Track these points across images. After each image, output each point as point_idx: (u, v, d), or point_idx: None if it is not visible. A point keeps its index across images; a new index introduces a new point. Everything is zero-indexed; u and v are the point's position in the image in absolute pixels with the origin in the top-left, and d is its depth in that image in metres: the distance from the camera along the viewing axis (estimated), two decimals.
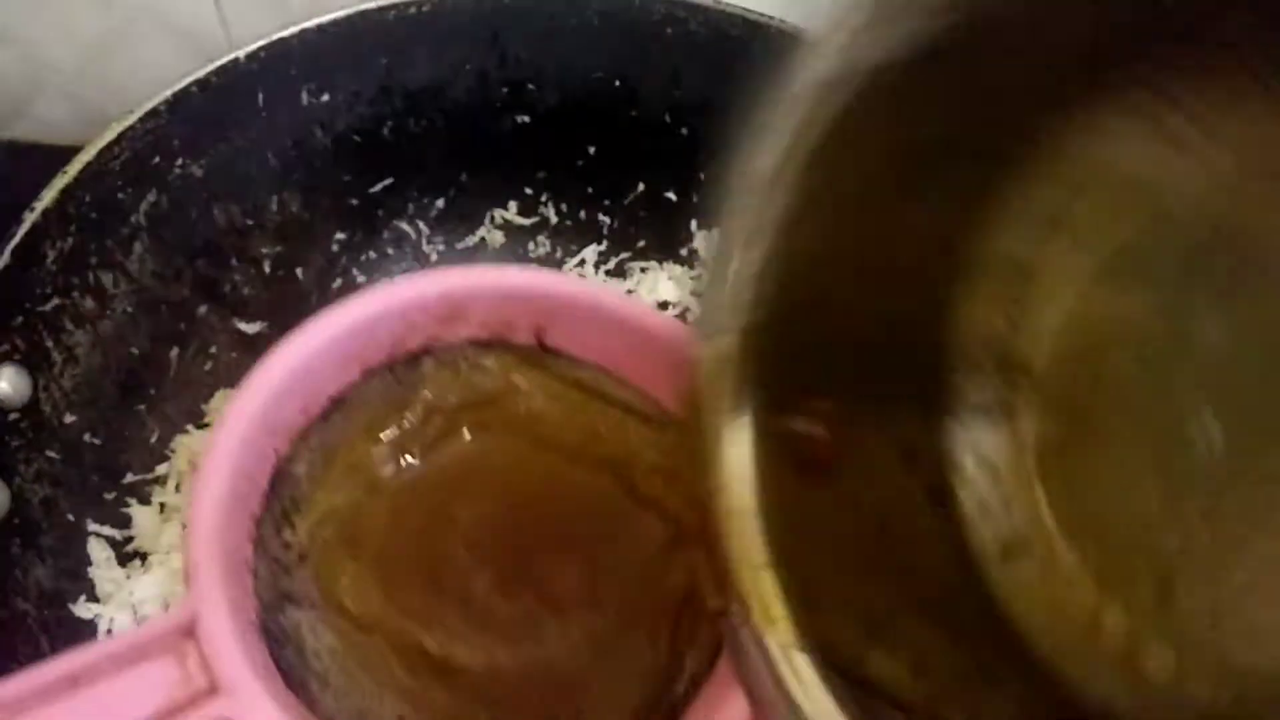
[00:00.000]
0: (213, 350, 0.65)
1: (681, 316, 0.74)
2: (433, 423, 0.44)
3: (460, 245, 0.75)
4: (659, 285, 0.74)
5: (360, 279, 0.72)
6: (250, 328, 0.67)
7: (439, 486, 0.42)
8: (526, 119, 0.72)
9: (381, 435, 0.43)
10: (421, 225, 0.74)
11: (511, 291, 0.42)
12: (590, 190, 0.75)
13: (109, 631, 0.55)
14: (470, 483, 0.42)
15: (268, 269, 0.67)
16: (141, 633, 0.35)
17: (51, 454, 0.55)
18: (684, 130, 0.71)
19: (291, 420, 0.41)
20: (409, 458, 0.43)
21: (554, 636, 0.40)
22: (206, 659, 0.34)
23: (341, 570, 0.41)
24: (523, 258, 0.76)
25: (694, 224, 0.74)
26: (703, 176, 0.73)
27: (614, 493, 0.42)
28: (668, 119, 0.71)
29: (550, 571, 0.41)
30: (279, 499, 0.42)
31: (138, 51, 0.78)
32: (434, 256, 0.75)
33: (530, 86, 0.71)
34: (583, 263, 0.76)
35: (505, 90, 0.70)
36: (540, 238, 0.76)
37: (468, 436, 0.44)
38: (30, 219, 0.54)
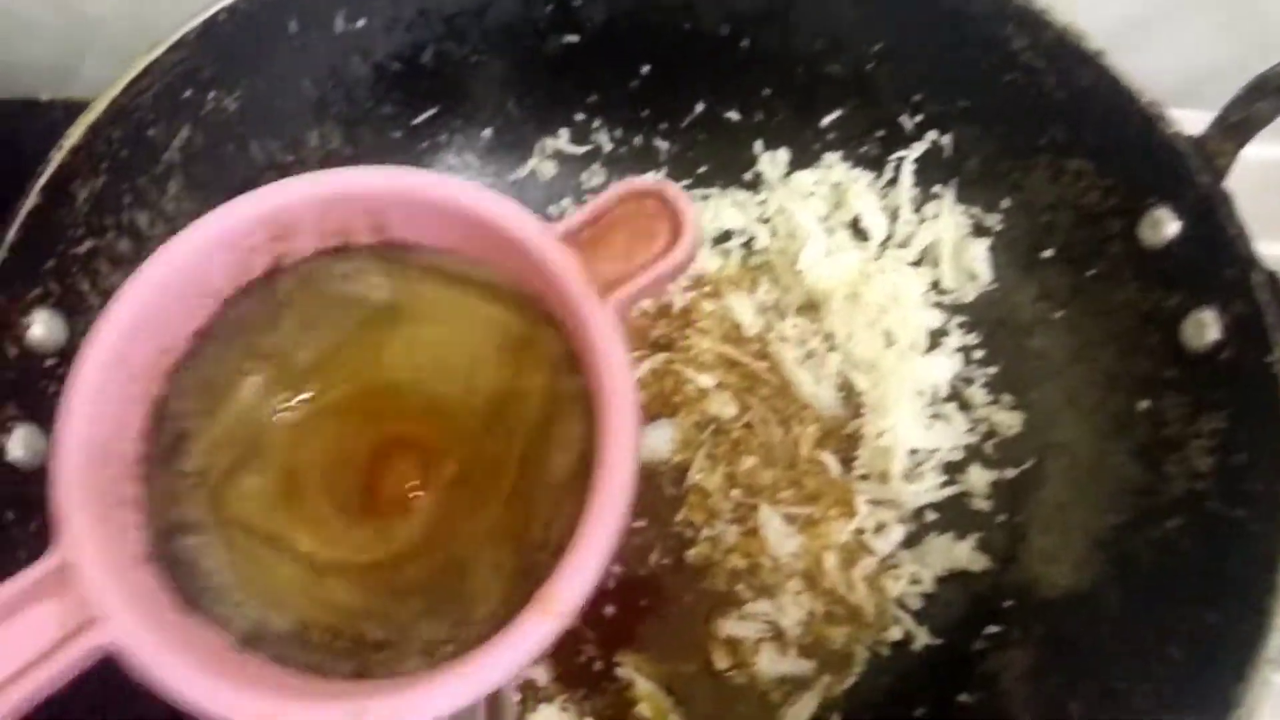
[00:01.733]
0: None
1: (747, 245, 0.69)
2: (304, 338, 0.44)
3: (511, 177, 0.71)
4: (722, 213, 0.70)
5: None
6: None
7: (325, 397, 0.44)
8: (574, 39, 0.68)
9: (257, 358, 0.43)
10: (470, 158, 0.70)
11: (332, 196, 0.40)
12: (645, 114, 0.70)
13: None
14: (351, 387, 0.44)
15: None
16: (16, 583, 0.36)
17: None
18: (744, 43, 0.66)
19: (154, 361, 0.41)
20: (289, 374, 0.43)
21: (439, 521, 0.42)
22: (83, 597, 0.36)
23: (237, 490, 0.42)
24: (576, 190, 0.72)
25: (758, 145, 0.69)
26: (766, 93, 0.68)
27: (493, 375, 0.43)
28: (726, 31, 0.66)
29: (434, 461, 0.43)
30: (164, 435, 0.42)
31: (182, 7, 0.75)
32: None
33: (576, 2, 0.66)
34: None
35: (550, 8, 0.66)
36: (594, 166, 0.72)
37: (338, 343, 0.44)
38: (58, 157, 0.52)
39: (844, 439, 0.63)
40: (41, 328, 0.50)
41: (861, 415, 0.62)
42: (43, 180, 0.51)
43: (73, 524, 0.37)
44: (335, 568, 0.41)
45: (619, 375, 0.38)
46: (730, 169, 0.71)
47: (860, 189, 0.66)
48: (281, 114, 0.62)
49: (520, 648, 0.35)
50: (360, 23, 0.62)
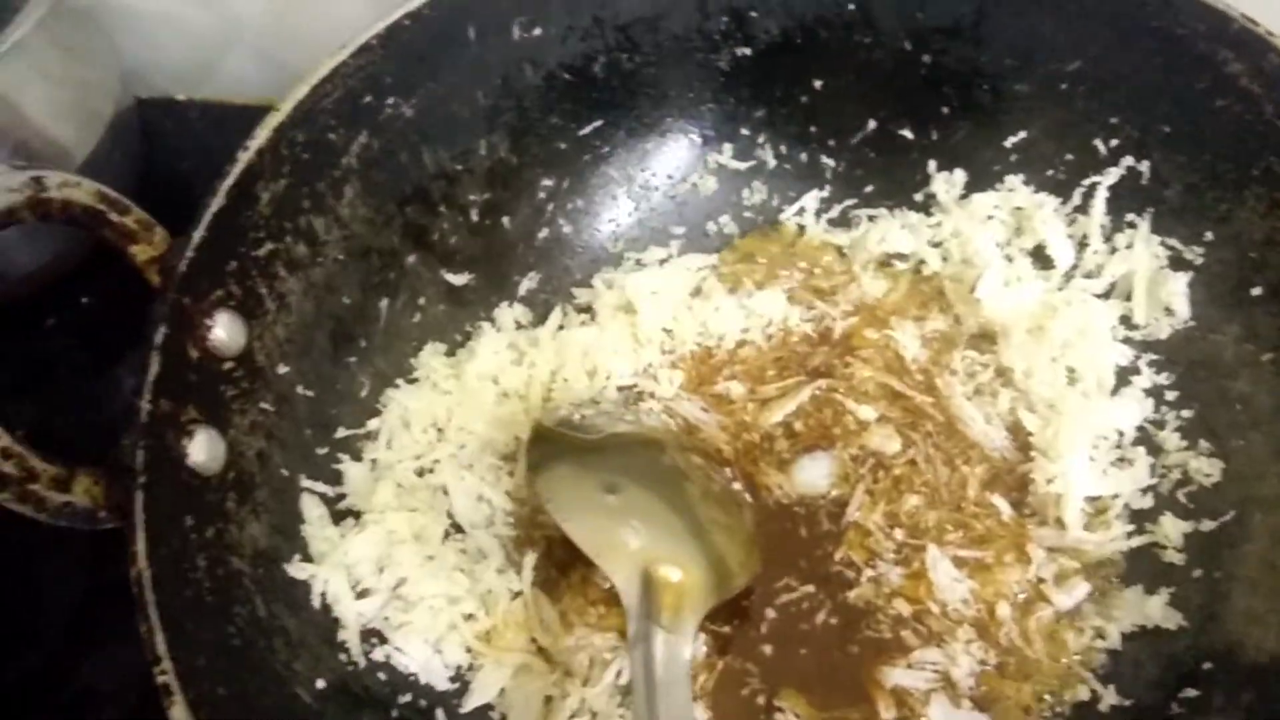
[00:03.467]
0: (421, 302, 0.62)
1: (917, 270, 0.66)
2: None
3: (671, 192, 0.69)
4: (889, 235, 0.67)
5: (566, 229, 0.68)
6: (458, 279, 0.63)
7: None
8: (747, 51, 0.66)
9: None
10: (631, 171, 0.69)
11: None
12: (813, 129, 0.68)
13: (323, 594, 0.52)
14: None
15: (475, 217, 0.64)
16: None
17: (266, 405, 0.53)
18: (926, 58, 0.63)
19: None
20: None
21: None
22: None
23: None
24: (736, 206, 0.70)
25: (932, 165, 0.66)
26: (945, 111, 0.65)
27: None
28: (907, 46, 0.63)
29: None
30: None
31: (326, 6, 0.75)
32: (642, 206, 0.69)
33: (753, 14, 0.64)
34: (802, 211, 0.69)
35: (726, 20, 0.64)
36: (756, 183, 0.70)
37: None
38: (245, 158, 0.51)
39: (1014, 481, 0.59)
40: (223, 330, 0.50)
41: (1031, 459, 0.59)
42: (229, 181, 0.51)
43: None
44: None
45: None
46: (901, 189, 0.68)
47: (1046, 214, 0.63)
48: (455, 122, 0.61)
49: None
50: (536, 31, 0.61)
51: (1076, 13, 0.59)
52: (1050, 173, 0.63)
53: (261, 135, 0.52)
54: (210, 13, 0.79)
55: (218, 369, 0.50)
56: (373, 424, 0.58)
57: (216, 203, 0.50)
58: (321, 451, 0.56)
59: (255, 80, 0.81)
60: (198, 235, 0.49)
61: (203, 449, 0.48)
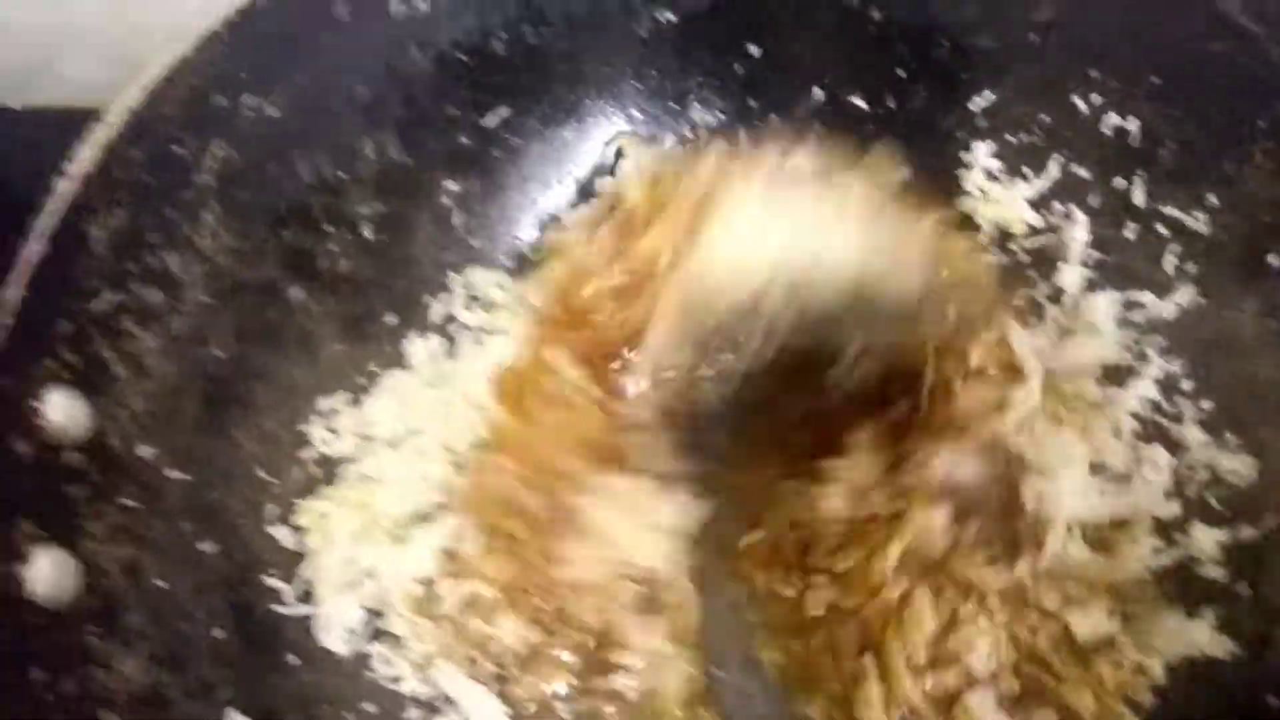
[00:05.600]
0: (311, 344, 0.51)
1: None
2: None
3: (598, 189, 0.60)
4: None
5: (475, 243, 0.57)
6: (355, 308, 0.53)
7: None
8: (670, 16, 0.56)
9: None
10: (546, 166, 0.59)
11: None
12: (753, 104, 0.59)
13: None
14: None
15: (368, 234, 0.53)
16: None
17: (128, 501, 0.41)
18: (875, 14, 0.56)
19: None
20: None
21: None
22: None
23: None
24: None
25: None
26: (901, 74, 0.57)
27: None
28: (854, 1, 0.55)
29: None
30: None
31: None
32: (564, 205, 0.60)
33: None
34: None
35: None
36: None
37: None
38: (67, 190, 0.40)
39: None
40: (58, 413, 0.39)
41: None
42: (51, 220, 0.39)
43: None
44: None
45: None
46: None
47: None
48: (331, 120, 0.50)
49: None
50: (421, 5, 0.51)
51: None
52: (1024, 137, 0.56)
53: (86, 157, 0.41)
54: (40, 11, 0.66)
55: (56, 464, 0.39)
56: (270, 509, 0.47)
57: (35, 250, 0.39)
58: (205, 548, 0.45)
59: (97, 81, 0.68)
60: (13, 295, 0.38)
61: (46, 575, 0.37)
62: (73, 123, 0.69)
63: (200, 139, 0.45)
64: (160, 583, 0.42)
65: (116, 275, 0.42)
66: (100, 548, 0.39)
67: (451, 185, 0.56)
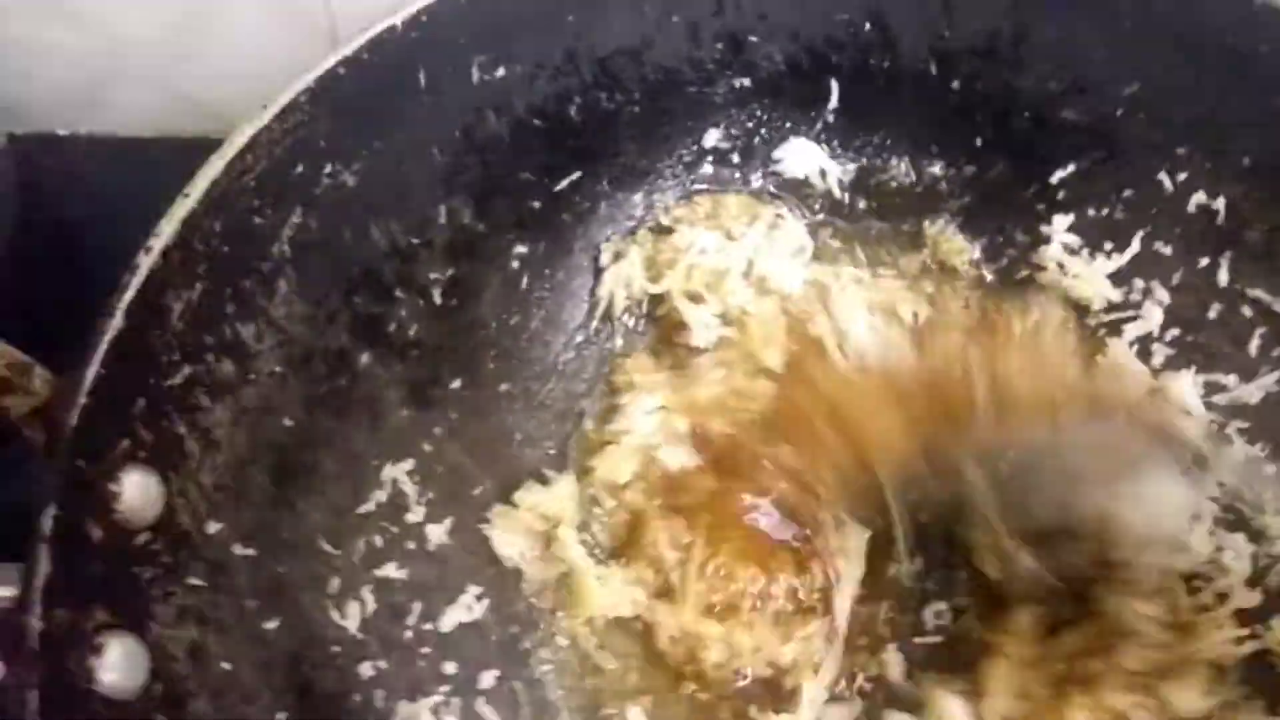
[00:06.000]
0: (379, 409, 0.50)
1: None
2: None
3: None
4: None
5: (544, 304, 0.57)
6: (421, 373, 0.52)
7: None
8: (746, 82, 0.56)
9: None
10: (619, 230, 0.58)
11: None
12: (827, 170, 0.58)
13: None
14: None
15: (438, 298, 0.52)
16: None
17: (195, 580, 0.41)
18: (955, 83, 0.55)
19: None
20: None
21: None
22: None
23: None
24: None
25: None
26: (979, 143, 0.56)
27: None
28: (934, 69, 0.54)
29: None
30: None
31: (227, 27, 0.63)
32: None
33: (752, 39, 0.54)
34: None
35: (720, 47, 0.54)
36: None
37: None
38: (147, 262, 0.39)
39: None
40: (134, 493, 0.38)
41: None
42: (129, 294, 0.39)
43: None
44: None
45: None
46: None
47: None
48: (406, 187, 0.50)
49: None
50: (499, 72, 0.50)
51: (1134, 28, 0.51)
52: (1106, 211, 0.55)
53: (167, 230, 0.40)
54: (91, 36, 0.66)
55: (129, 547, 0.38)
56: (334, 584, 0.46)
57: (113, 326, 0.38)
58: (269, 625, 0.44)
59: (149, 110, 0.68)
60: (91, 373, 0.37)
61: (118, 663, 0.36)
62: (122, 151, 0.70)
63: (279, 209, 0.44)
64: (225, 665, 0.41)
65: (192, 348, 0.41)
66: (167, 632, 0.39)
67: (520, 248, 0.55)
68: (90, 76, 0.68)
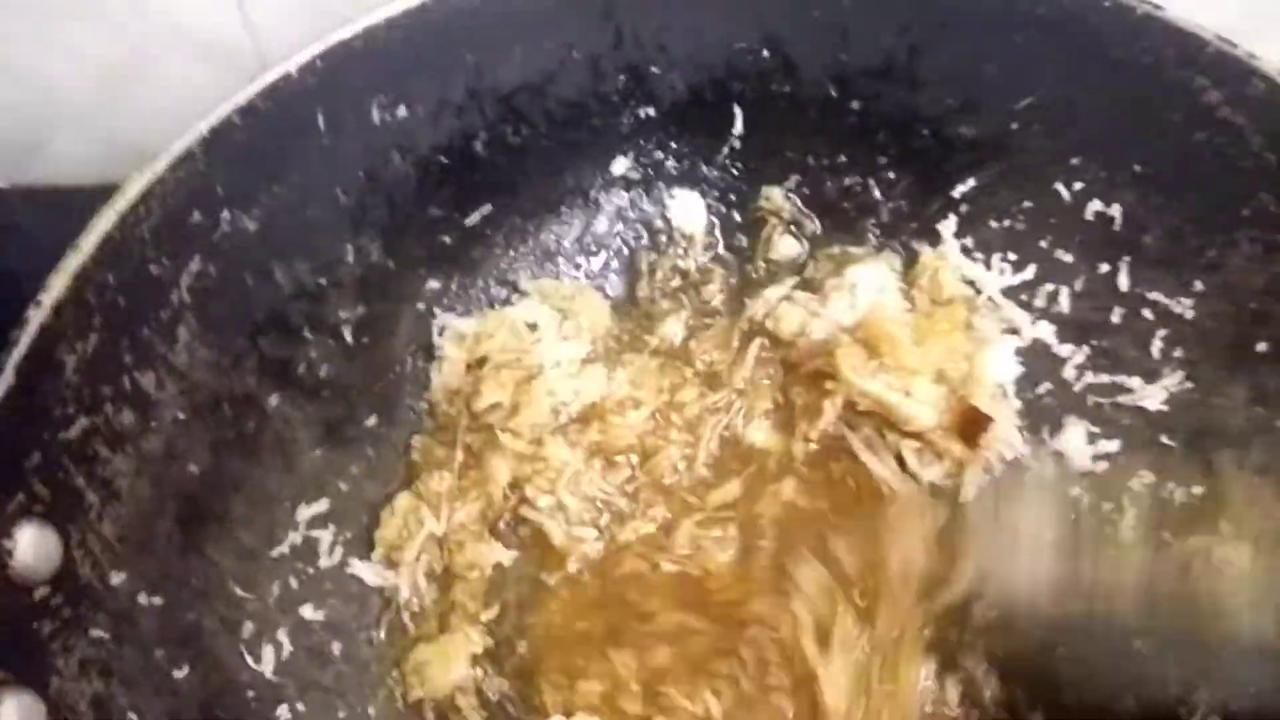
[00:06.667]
0: (292, 450, 0.50)
1: None
2: None
3: (575, 274, 0.60)
4: None
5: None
6: (335, 412, 0.52)
7: None
8: (651, 111, 0.57)
9: None
10: (527, 262, 0.59)
11: None
12: (731, 196, 0.59)
13: None
14: None
15: (349, 337, 0.53)
16: None
17: (98, 633, 0.40)
18: (855, 104, 0.55)
19: None
20: None
21: None
22: None
23: None
24: None
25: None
26: (882, 161, 0.57)
27: None
28: (833, 91, 0.55)
29: None
30: None
31: (160, 71, 0.64)
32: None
33: (654, 70, 0.55)
34: None
35: (624, 79, 0.55)
36: None
37: None
38: (37, 318, 0.40)
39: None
40: (28, 550, 0.38)
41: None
42: (19, 352, 0.39)
43: None
44: None
45: None
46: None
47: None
48: (313, 229, 0.50)
49: None
50: (400, 111, 0.51)
51: (1025, 44, 0.51)
52: (1006, 223, 0.56)
53: (58, 285, 0.40)
54: (24, 89, 0.66)
55: (25, 604, 0.38)
56: (248, 628, 0.46)
57: (2, 382, 0.38)
58: (178, 674, 0.44)
59: (87, 159, 0.69)
60: None
61: None
62: (62, 202, 0.70)
63: (177, 258, 0.45)
64: (132, 716, 0.41)
65: (89, 400, 0.41)
66: (69, 685, 0.38)
67: (433, 284, 0.56)
68: (25, 128, 0.68)
